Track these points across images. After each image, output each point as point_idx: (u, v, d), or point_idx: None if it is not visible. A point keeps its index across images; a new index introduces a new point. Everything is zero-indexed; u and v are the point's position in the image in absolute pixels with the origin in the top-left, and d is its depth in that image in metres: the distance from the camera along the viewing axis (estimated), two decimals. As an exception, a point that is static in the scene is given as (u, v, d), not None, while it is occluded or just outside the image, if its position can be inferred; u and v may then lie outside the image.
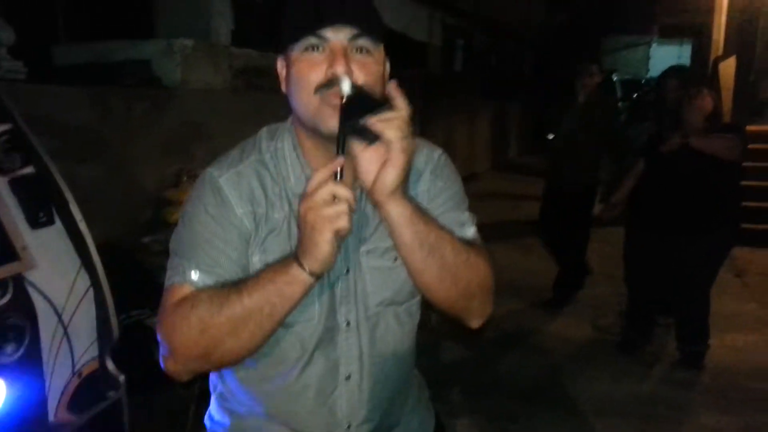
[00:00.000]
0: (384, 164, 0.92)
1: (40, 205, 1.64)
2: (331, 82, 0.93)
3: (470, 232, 1.12)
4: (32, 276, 1.55)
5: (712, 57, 9.24)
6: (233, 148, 1.13)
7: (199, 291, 0.99)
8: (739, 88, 7.56)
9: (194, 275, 1.00)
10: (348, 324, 1.09)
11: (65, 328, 1.63)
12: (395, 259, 1.08)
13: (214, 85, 3.96)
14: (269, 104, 4.44)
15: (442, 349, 3.59)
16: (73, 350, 1.65)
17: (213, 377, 1.24)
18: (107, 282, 1.74)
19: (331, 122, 0.93)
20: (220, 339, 0.96)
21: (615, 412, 3.01)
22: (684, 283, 3.42)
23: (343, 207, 0.89)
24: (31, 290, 1.55)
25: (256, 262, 1.03)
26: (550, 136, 4.06)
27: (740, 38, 8.33)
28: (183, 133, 3.70)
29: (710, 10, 10.54)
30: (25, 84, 2.82)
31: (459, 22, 10.55)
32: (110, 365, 1.75)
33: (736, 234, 3.28)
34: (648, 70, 19.62)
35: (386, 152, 0.91)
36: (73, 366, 1.65)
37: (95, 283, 1.73)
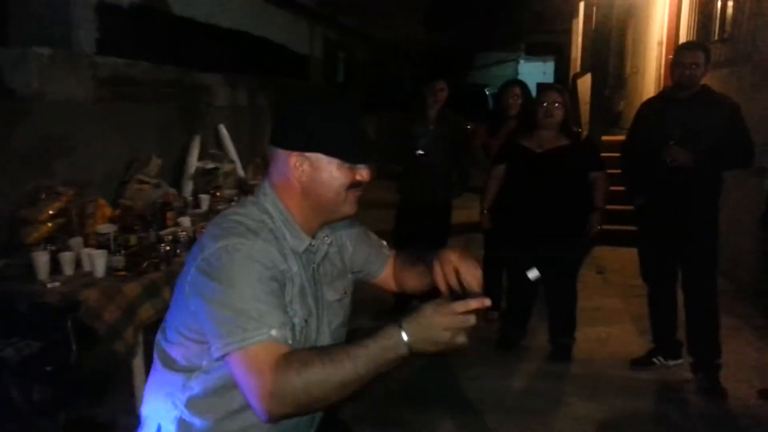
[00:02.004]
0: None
1: None
2: (356, 185, 1.34)
3: (388, 249, 1.65)
4: None
5: (571, 73, 10.04)
6: (228, 217, 1.29)
7: (291, 350, 1.14)
8: (595, 101, 8.25)
9: (275, 333, 1.13)
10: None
11: None
12: (345, 293, 1.48)
13: (75, 96, 3.70)
14: (136, 115, 4.27)
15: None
16: None
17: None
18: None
19: (349, 210, 1.37)
20: (329, 397, 1.11)
21: (497, 407, 3.15)
22: (552, 281, 3.66)
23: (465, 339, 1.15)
24: None
25: (291, 310, 1.27)
26: (419, 152, 4.16)
27: (594, 57, 9.11)
28: (41, 148, 3.42)
29: (568, 31, 11.47)
30: None
31: (340, 37, 10.67)
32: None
33: (587, 233, 3.57)
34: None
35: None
36: None
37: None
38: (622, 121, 9.49)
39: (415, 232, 4.34)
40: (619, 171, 3.66)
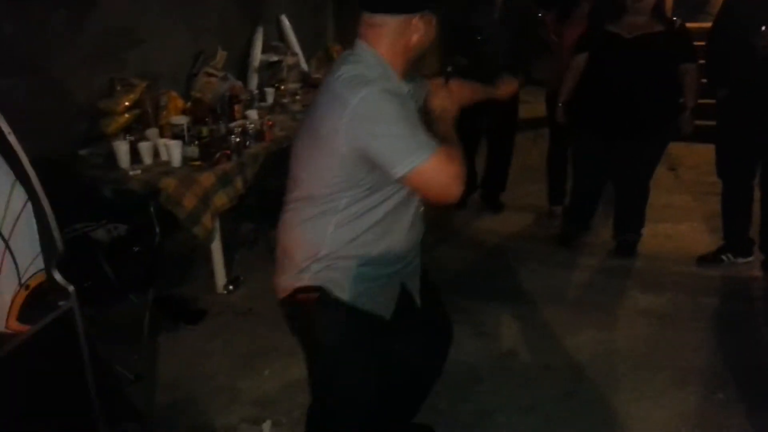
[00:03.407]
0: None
1: (-37, 118, 1.56)
2: None
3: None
4: (-36, 191, 1.50)
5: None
6: (346, 76, 1.46)
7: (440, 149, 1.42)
8: (681, -17, 7.57)
9: (429, 145, 1.40)
10: None
11: (6, 242, 1.60)
12: None
13: (141, -14, 3.70)
14: (203, 8, 4.23)
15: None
16: (17, 263, 1.63)
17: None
18: (45, 195, 1.70)
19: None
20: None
21: (555, 299, 3.22)
22: (625, 177, 3.57)
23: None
24: (-36, 206, 1.50)
25: None
26: (479, 39, 3.98)
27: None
28: (110, 40, 3.48)
29: None
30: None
31: None
32: (58, 276, 1.74)
33: (676, 130, 3.39)
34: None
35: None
36: (19, 279, 1.64)
37: (33, 197, 1.68)
38: (708, 6, 8.72)
39: (478, 125, 4.26)
40: (703, 62, 3.42)
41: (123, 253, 2.56)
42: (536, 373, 2.63)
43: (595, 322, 3.00)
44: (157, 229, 2.73)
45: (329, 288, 1.57)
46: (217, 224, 3.09)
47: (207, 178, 2.92)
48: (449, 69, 1.81)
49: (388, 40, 1.51)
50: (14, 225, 1.63)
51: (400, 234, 1.61)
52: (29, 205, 1.68)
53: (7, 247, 1.61)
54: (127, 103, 3.30)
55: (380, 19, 1.50)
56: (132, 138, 3.13)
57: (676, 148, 5.50)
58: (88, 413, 1.83)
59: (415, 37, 1.52)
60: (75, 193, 2.71)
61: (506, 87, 2.05)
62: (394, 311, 1.68)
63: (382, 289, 1.64)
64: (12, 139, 1.65)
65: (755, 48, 2.92)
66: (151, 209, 2.73)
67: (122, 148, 2.97)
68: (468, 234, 4.10)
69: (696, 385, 2.54)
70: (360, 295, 1.59)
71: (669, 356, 2.73)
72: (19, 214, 1.65)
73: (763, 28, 2.89)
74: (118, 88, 3.39)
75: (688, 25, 3.43)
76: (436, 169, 1.40)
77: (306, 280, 1.58)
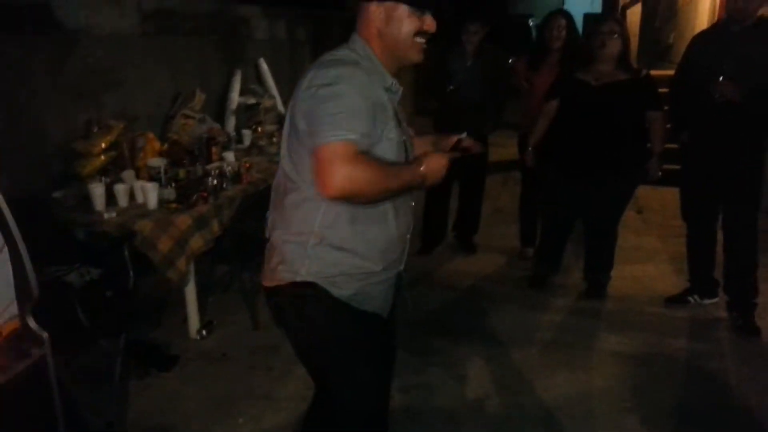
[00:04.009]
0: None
1: (-59, 162, 1.57)
2: (423, 33, 1.59)
3: None
4: (-61, 236, 1.49)
5: (621, 3, 9.59)
6: (327, 59, 1.55)
7: (363, 152, 1.42)
8: (644, 33, 7.92)
9: (356, 137, 1.41)
10: None
11: (-20, 288, 1.59)
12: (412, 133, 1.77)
13: (121, 29, 3.75)
14: (179, 48, 4.30)
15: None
16: (-10, 310, 1.62)
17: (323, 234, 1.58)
18: (22, 240, 1.70)
19: (417, 56, 1.62)
20: (372, 194, 1.46)
21: (527, 340, 3.26)
22: (595, 219, 3.68)
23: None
24: (-61, 251, 1.49)
25: (381, 127, 1.51)
26: (450, 87, 4.12)
27: (646, -15, 8.68)
28: (91, 81, 3.52)
29: (619, -43, 10.85)
30: None
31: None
32: (32, 323, 1.73)
33: (643, 174, 3.52)
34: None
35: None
36: (-8, 326, 1.62)
37: (9, 241, 1.68)
38: (671, 54, 9.11)
39: (451, 171, 4.34)
40: (667, 107, 3.57)
41: (96, 298, 2.53)
42: (513, 414, 2.65)
43: (568, 363, 3.04)
44: (131, 273, 2.72)
45: (325, 286, 1.57)
46: (192, 268, 3.08)
47: (183, 221, 2.92)
48: (464, 136, 1.83)
49: (365, 28, 1.59)
50: (-11, 271, 1.62)
51: (390, 223, 1.61)
52: (5, 250, 1.67)
53: (-19, 293, 1.60)
54: (103, 145, 3.31)
55: (358, 5, 1.62)
56: (108, 180, 3.13)
57: (643, 191, 5.68)
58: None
59: (379, 25, 1.57)
60: (48, 235, 2.69)
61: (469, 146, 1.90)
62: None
63: (376, 287, 1.65)
64: (-10, 184, 1.66)
65: (713, 96, 3.07)
66: (125, 253, 2.72)
67: (97, 190, 2.96)
68: (442, 275, 4.15)
69: (668, 424, 2.59)
70: (356, 294, 1.61)
71: (641, 396, 2.77)
72: (-5, 260, 1.64)
73: (720, 78, 3.04)
74: (95, 129, 3.40)
75: (652, 72, 3.60)
76: (333, 156, 1.38)
77: (302, 275, 1.57)
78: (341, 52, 1.58)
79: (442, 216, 4.48)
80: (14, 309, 1.70)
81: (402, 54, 1.61)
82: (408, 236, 1.72)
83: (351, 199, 1.46)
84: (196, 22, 4.49)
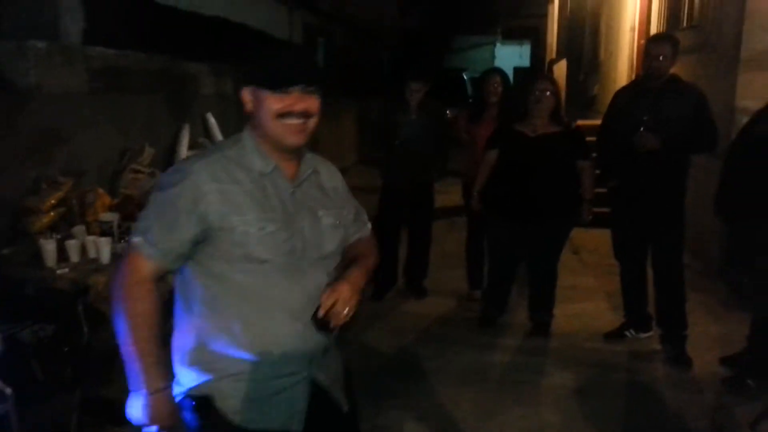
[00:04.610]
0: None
1: None
2: (290, 113, 1.42)
3: (369, 225, 1.75)
4: None
5: (547, 58, 10.27)
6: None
7: (153, 276, 1.41)
8: (570, 86, 8.51)
9: (140, 241, 1.40)
10: (309, 264, 1.49)
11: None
12: (339, 221, 1.58)
13: (70, 88, 3.79)
14: (128, 105, 4.35)
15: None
16: (-46, 368, 1.62)
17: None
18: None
19: (291, 140, 1.45)
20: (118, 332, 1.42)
21: (480, 379, 3.39)
22: (535, 260, 3.90)
23: None
24: None
25: (236, 221, 1.41)
26: (398, 142, 4.35)
27: (569, 42, 9.36)
28: (40, 139, 3.52)
29: (544, 16, 11.67)
30: None
31: (319, 21, 10.72)
32: (-5, 380, 1.73)
33: (576, 217, 3.78)
34: (494, 69, 21.02)
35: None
36: (-44, 384, 1.62)
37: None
38: (596, 104, 9.76)
39: (398, 216, 4.54)
40: (594, 155, 3.88)
41: (51, 353, 2.50)
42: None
43: (520, 399, 3.17)
44: (85, 329, 2.69)
45: (216, 400, 1.44)
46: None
47: (138, 274, 2.92)
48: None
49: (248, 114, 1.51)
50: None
51: (280, 319, 1.44)
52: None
53: (-55, 351, 1.60)
54: (53, 201, 3.29)
55: None
56: (59, 236, 3.11)
57: (578, 234, 5.98)
58: None
59: (251, 110, 1.47)
60: (-2, 293, 2.65)
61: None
62: (308, 422, 1.50)
63: (273, 398, 1.46)
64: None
65: (635, 146, 3.37)
66: (79, 308, 2.70)
67: (49, 246, 2.94)
68: (394, 319, 4.25)
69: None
70: (248, 412, 1.44)
71: (590, 427, 2.93)
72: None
73: (641, 129, 3.36)
74: (44, 186, 3.38)
75: (580, 122, 3.91)
76: (124, 261, 1.43)
77: (192, 382, 1.46)
78: (221, 142, 1.55)
79: (391, 262, 4.62)
80: (-23, 366, 1.70)
81: (275, 138, 1.45)
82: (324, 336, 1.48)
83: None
84: (145, 79, 4.57)
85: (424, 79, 4.34)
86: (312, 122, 1.46)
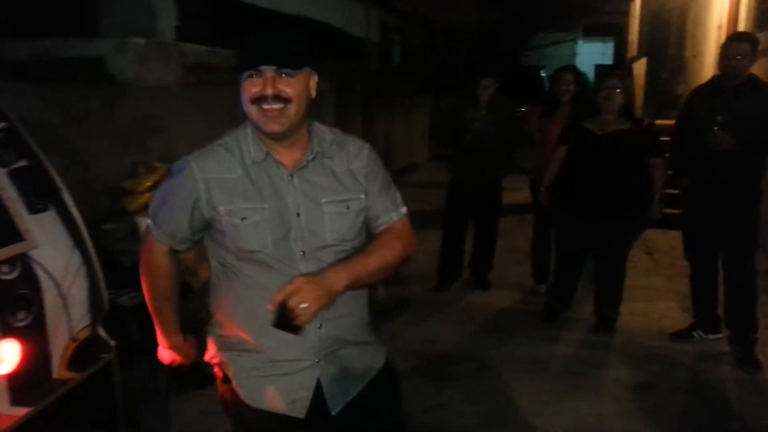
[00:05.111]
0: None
1: (36, 194, 1.86)
2: (264, 98, 1.35)
3: (403, 209, 1.58)
4: (35, 254, 1.77)
5: (628, 56, 9.99)
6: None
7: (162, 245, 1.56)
8: (651, 85, 8.26)
9: (155, 230, 1.55)
10: (303, 254, 1.44)
11: (63, 299, 1.86)
12: (347, 208, 1.48)
13: (166, 81, 4.14)
14: (219, 100, 4.68)
15: (384, 320, 3.93)
16: (70, 318, 1.88)
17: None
18: (97, 260, 1.98)
19: (267, 126, 1.38)
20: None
21: (539, 369, 3.45)
22: (604, 257, 3.91)
23: None
24: (35, 266, 1.77)
25: (222, 211, 1.42)
26: (467, 137, 4.43)
27: (652, 40, 9.07)
28: (138, 128, 3.87)
29: (627, 13, 11.33)
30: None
31: (395, 20, 10.92)
32: (101, 332, 1.99)
33: (649, 217, 3.77)
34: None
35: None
36: (71, 331, 1.88)
37: (87, 260, 1.96)
38: (680, 104, 9.39)
39: (465, 210, 4.64)
40: (668, 154, 3.83)
41: (145, 318, 2.78)
42: (523, 436, 2.83)
43: (578, 392, 3.21)
44: (175, 298, 2.97)
45: (228, 370, 1.55)
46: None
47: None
48: None
49: None
50: (71, 285, 1.89)
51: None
52: (83, 268, 1.95)
53: (64, 303, 1.86)
54: (149, 183, 3.63)
55: None
56: (153, 215, 3.43)
57: (653, 234, 5.90)
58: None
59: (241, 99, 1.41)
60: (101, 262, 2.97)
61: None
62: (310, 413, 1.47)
63: (276, 380, 1.47)
64: (74, 211, 1.95)
65: (709, 145, 3.33)
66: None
67: (145, 223, 3.25)
68: (458, 309, 4.37)
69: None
70: (249, 390, 1.51)
71: (650, 424, 2.93)
72: (75, 275, 1.92)
73: (715, 128, 3.31)
74: (141, 170, 3.73)
75: (660, 121, 3.87)
76: (143, 241, 1.61)
77: (212, 351, 1.60)
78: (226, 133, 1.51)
79: (458, 254, 4.73)
80: (88, 319, 1.96)
81: (255, 125, 1.40)
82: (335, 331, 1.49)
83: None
84: (230, 74, 4.89)
85: (494, 75, 4.40)
86: (292, 108, 1.37)
